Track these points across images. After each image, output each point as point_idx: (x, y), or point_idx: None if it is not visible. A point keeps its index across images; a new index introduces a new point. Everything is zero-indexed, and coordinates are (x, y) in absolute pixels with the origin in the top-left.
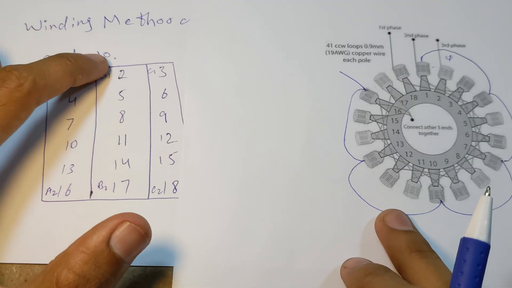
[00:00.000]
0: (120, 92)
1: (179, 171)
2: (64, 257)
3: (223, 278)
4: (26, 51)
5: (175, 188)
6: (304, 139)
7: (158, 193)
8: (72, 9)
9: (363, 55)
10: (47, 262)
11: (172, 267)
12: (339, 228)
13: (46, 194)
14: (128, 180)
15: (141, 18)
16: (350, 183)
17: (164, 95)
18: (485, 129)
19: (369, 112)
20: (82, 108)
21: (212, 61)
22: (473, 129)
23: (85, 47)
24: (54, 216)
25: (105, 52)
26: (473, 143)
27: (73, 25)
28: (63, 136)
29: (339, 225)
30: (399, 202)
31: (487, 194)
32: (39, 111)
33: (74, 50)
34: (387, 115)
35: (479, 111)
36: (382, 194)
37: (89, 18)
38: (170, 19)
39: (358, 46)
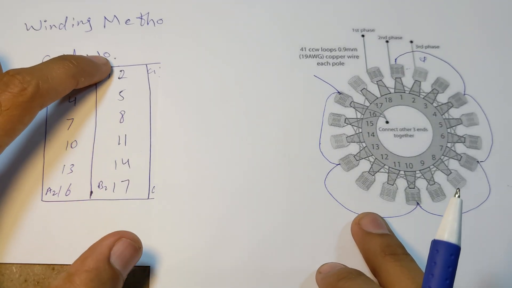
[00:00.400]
0: (120, 92)
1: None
2: (68, 278)
3: (199, 278)
4: (26, 51)
5: None
6: (280, 143)
7: (154, 193)
8: (72, 9)
9: (337, 58)
10: (47, 262)
11: (149, 266)
12: (316, 232)
13: (46, 194)
14: (128, 180)
15: (141, 18)
16: (326, 187)
17: None
18: (460, 130)
19: (344, 115)
20: (82, 108)
21: (187, 65)
22: (449, 130)
23: (85, 47)
24: (54, 216)
25: (105, 52)
26: (449, 144)
27: (73, 25)
28: (63, 136)
29: (316, 229)
30: (375, 205)
31: (457, 196)
32: (39, 111)
33: (74, 50)
34: (362, 118)
35: (454, 112)
36: (358, 197)
37: (89, 18)
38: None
39: (332, 50)
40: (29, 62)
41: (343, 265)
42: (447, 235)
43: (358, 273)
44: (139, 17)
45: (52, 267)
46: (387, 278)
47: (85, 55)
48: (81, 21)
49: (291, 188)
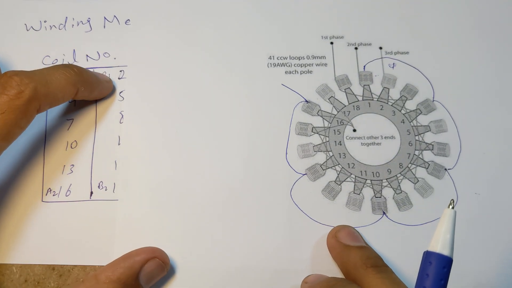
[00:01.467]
0: (120, 92)
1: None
2: (96, 284)
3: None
4: (26, 51)
5: None
6: (246, 153)
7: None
8: (72, 10)
9: (305, 66)
10: (47, 262)
11: (94, 266)
12: (282, 243)
13: (46, 194)
14: None
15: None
16: (292, 198)
17: None
18: (428, 137)
19: (311, 124)
20: (82, 108)
21: (152, 70)
22: (417, 137)
23: (85, 47)
24: (54, 217)
25: (105, 52)
26: (417, 152)
27: (73, 25)
28: (63, 137)
29: (282, 240)
30: (341, 215)
31: (450, 207)
32: (36, 115)
33: (74, 50)
34: (329, 127)
35: (423, 119)
36: (324, 208)
37: (89, 18)
38: None
39: (300, 58)
40: (29, 62)
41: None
42: (440, 247)
43: (349, 282)
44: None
45: (52, 267)
46: None
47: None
48: (81, 21)
49: (257, 199)
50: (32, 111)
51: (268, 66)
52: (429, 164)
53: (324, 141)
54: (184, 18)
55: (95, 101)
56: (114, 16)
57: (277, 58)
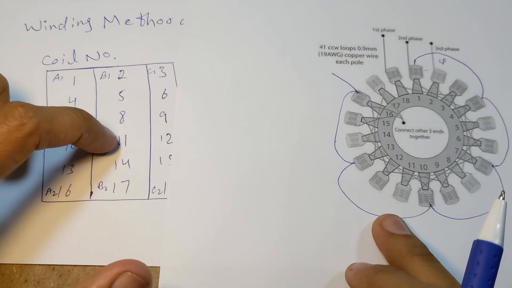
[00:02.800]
0: (120, 92)
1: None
2: None
3: (210, 279)
4: (26, 51)
5: None
6: (295, 140)
7: (158, 194)
8: (72, 10)
9: (356, 57)
10: (47, 262)
11: (159, 267)
12: (328, 230)
13: (46, 194)
14: (128, 180)
15: (141, 19)
16: (340, 185)
17: (164, 95)
18: (476, 133)
19: (361, 114)
20: (82, 108)
21: (206, 62)
22: (465, 133)
23: (85, 47)
24: (54, 217)
25: (105, 52)
26: (464, 147)
27: (73, 25)
28: None
29: (328, 227)
30: (388, 205)
31: (501, 198)
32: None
33: (74, 50)
34: (379, 118)
35: (471, 115)
36: (371, 197)
37: (89, 18)
38: (170, 19)
39: (351, 48)
40: (29, 62)
41: None
42: (491, 236)
43: (396, 269)
44: (139, 17)
45: (52, 267)
46: (416, 278)
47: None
48: (81, 21)
49: (305, 186)
50: (31, 146)
51: (319, 55)
52: (476, 160)
53: (373, 131)
54: (232, 7)
55: (95, 101)
56: (114, 16)
57: (328, 48)
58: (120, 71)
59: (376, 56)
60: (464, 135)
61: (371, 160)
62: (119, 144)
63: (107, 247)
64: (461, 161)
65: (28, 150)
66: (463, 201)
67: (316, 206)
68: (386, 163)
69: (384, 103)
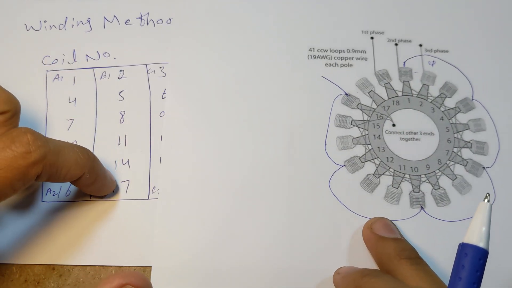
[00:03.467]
0: (120, 92)
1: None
2: None
3: (201, 279)
4: (26, 51)
5: None
6: (285, 143)
7: (158, 194)
8: (72, 10)
9: (345, 59)
10: (47, 262)
11: (150, 267)
12: (320, 233)
13: (46, 194)
14: (128, 180)
15: (141, 19)
16: (331, 188)
17: (164, 95)
18: (467, 135)
19: (351, 117)
20: (82, 108)
21: (196, 64)
22: (455, 135)
23: (85, 47)
24: (54, 217)
25: (105, 52)
26: (455, 149)
27: (73, 25)
28: (63, 137)
29: (319, 230)
30: (379, 207)
31: (486, 200)
32: (39, 112)
33: (74, 50)
34: (369, 120)
35: (462, 117)
36: (362, 200)
37: (89, 18)
38: (170, 19)
39: (340, 51)
40: (29, 62)
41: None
42: (476, 239)
43: (381, 272)
44: (139, 17)
45: (52, 267)
46: (404, 281)
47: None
48: (81, 21)
49: (295, 189)
50: (32, 176)
51: (308, 58)
52: (467, 162)
53: (364, 134)
54: (223, 10)
55: (95, 101)
56: (114, 16)
57: (318, 51)
58: (120, 71)
59: (366, 59)
60: (455, 137)
61: (362, 162)
62: (118, 187)
63: (107, 247)
64: (452, 163)
65: (28, 180)
66: (454, 203)
67: (308, 209)
68: (377, 166)
69: (374, 106)
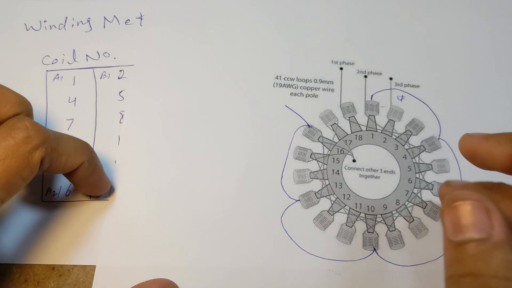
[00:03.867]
0: (120, 92)
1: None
2: None
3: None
4: (26, 51)
5: None
6: (241, 173)
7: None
8: (72, 9)
9: (311, 89)
10: (47, 262)
11: (95, 266)
12: (267, 269)
13: (46, 194)
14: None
15: (141, 18)
16: (282, 223)
17: None
18: (429, 176)
19: (311, 150)
20: (82, 108)
21: (156, 85)
22: (417, 175)
23: (85, 47)
24: (54, 217)
25: (105, 52)
26: (415, 190)
27: (72, 25)
28: None
29: (267, 265)
30: (330, 246)
31: None
32: (39, 112)
33: (74, 50)
34: (329, 154)
35: (426, 157)
36: (313, 237)
37: (89, 18)
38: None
39: (307, 80)
40: (29, 62)
41: None
42: None
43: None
44: (139, 17)
45: (52, 267)
46: None
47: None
48: (81, 21)
49: (246, 221)
50: (37, 161)
51: (274, 86)
52: (426, 204)
53: (322, 168)
54: (192, 32)
55: (95, 101)
56: (114, 16)
57: (284, 79)
58: (120, 71)
59: (332, 90)
60: (416, 177)
61: (317, 198)
62: (113, 187)
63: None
64: (410, 204)
65: (34, 166)
66: (408, 247)
67: (257, 243)
68: (332, 202)
69: (336, 139)
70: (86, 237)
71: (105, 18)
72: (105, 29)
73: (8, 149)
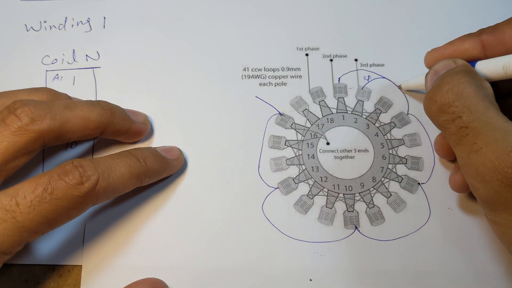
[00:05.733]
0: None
1: None
2: None
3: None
4: (26, 51)
5: None
6: (218, 166)
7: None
8: (72, 10)
9: (279, 78)
10: (47, 262)
11: (81, 266)
12: (254, 258)
13: None
14: None
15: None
16: (264, 212)
17: None
18: (402, 151)
19: (285, 137)
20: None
21: (127, 78)
22: (390, 151)
23: (85, 47)
24: None
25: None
26: (390, 166)
27: (72, 25)
28: None
29: (252, 256)
30: (313, 229)
31: None
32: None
33: (74, 50)
34: (303, 140)
35: (397, 133)
36: (295, 222)
37: (89, 18)
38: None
39: (274, 70)
40: (29, 62)
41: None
42: None
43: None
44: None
45: (52, 267)
46: None
47: (158, 147)
48: (81, 21)
49: (228, 212)
50: (88, 204)
51: (242, 78)
52: (402, 178)
53: (297, 154)
54: (159, 26)
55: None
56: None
57: (252, 70)
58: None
59: (300, 77)
60: (390, 153)
61: (296, 184)
62: (186, 162)
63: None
64: (386, 180)
65: (84, 208)
66: (389, 222)
67: (240, 234)
68: (311, 186)
69: (308, 125)
70: (87, 237)
71: (105, 18)
72: (105, 29)
73: (62, 191)
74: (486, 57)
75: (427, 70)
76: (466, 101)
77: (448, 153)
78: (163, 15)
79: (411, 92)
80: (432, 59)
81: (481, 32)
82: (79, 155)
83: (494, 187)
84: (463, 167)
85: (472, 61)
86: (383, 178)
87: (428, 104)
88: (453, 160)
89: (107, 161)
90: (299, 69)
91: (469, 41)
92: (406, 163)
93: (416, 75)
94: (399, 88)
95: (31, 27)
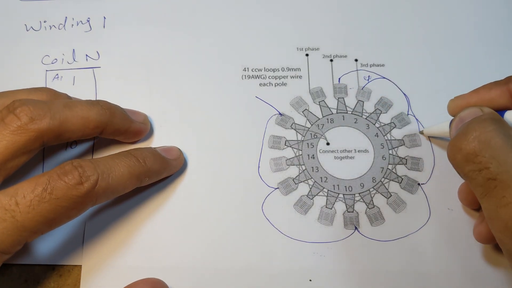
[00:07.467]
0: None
1: None
2: None
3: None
4: (26, 51)
5: None
6: (218, 166)
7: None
8: (72, 10)
9: (279, 78)
10: (47, 262)
11: (81, 266)
12: (252, 259)
13: None
14: None
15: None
16: (264, 212)
17: None
18: (402, 151)
19: (285, 137)
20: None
21: (126, 78)
22: (390, 151)
23: (85, 47)
24: None
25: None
26: (390, 166)
27: (72, 25)
28: None
29: (252, 256)
30: (312, 229)
31: None
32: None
33: (74, 50)
34: (303, 140)
35: (397, 133)
36: (295, 222)
37: (89, 18)
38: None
39: (275, 70)
40: (29, 62)
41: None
42: None
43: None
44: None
45: (52, 267)
46: None
47: (158, 147)
48: (81, 21)
49: (228, 213)
50: (87, 204)
51: (242, 78)
52: (402, 179)
53: (297, 154)
54: (158, 27)
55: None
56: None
57: (252, 70)
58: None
59: (300, 77)
60: (390, 154)
61: (295, 184)
62: (186, 162)
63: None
64: (386, 180)
65: (83, 208)
66: (388, 222)
67: (240, 235)
68: (311, 187)
69: (308, 125)
70: (87, 237)
71: (105, 18)
72: (105, 29)
73: (61, 191)
74: None
75: (450, 117)
76: (494, 151)
77: (473, 202)
78: (163, 15)
79: (433, 138)
80: (456, 107)
81: (509, 80)
82: (79, 155)
83: None
84: (490, 220)
85: (501, 110)
86: (383, 179)
87: (452, 152)
88: (478, 209)
89: (106, 162)
90: (299, 69)
91: (496, 90)
92: (406, 164)
93: (416, 74)
94: (420, 133)
95: (31, 27)
